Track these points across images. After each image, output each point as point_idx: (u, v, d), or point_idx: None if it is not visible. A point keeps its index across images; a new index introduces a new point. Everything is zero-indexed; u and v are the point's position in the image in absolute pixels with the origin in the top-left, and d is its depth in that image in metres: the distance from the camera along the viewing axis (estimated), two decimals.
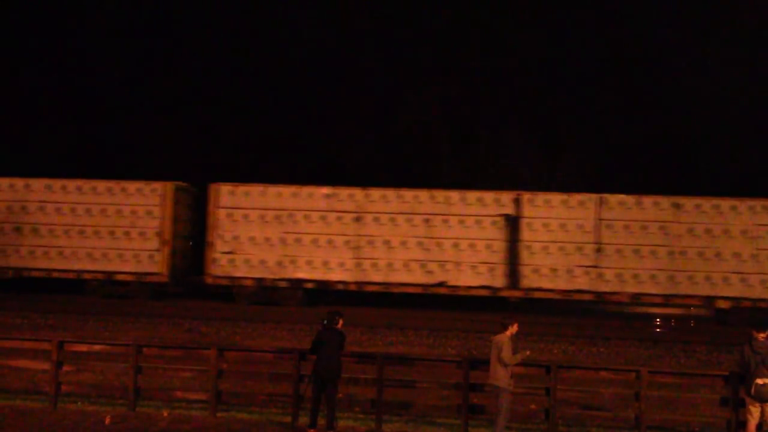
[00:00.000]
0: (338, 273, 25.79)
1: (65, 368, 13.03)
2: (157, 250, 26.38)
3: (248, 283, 26.06)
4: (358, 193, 26.05)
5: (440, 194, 25.85)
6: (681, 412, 13.04)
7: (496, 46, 39.33)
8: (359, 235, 25.81)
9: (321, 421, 11.13)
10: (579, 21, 41.58)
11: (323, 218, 25.95)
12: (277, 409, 12.66)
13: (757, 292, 24.41)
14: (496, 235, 25.27)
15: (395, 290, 25.81)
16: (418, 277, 25.53)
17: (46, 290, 27.06)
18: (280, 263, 25.96)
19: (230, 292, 26.38)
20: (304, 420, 11.42)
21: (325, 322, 11.21)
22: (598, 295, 24.99)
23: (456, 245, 25.41)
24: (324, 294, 26.26)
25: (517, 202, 25.37)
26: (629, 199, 25.05)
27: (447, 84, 38.91)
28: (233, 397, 12.99)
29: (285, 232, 26.00)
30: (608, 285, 24.84)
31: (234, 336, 19.82)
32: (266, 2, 42.86)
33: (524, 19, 40.90)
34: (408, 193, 25.94)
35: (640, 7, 42.51)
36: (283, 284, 25.96)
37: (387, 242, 25.69)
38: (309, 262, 25.88)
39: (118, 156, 37.39)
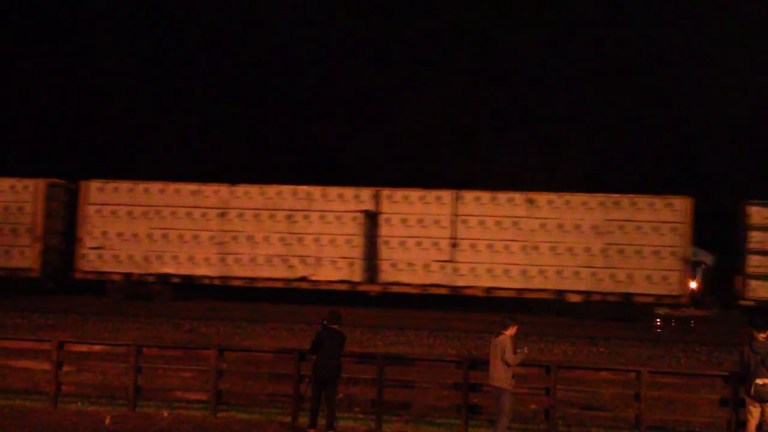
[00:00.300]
0: (203, 268, 26.34)
1: (65, 368, 13.00)
2: (28, 246, 26.65)
3: (117, 278, 26.64)
4: (223, 189, 26.59)
5: (302, 190, 26.33)
6: (681, 412, 13.02)
7: (496, 46, 39.32)
8: (224, 231, 26.32)
9: (321, 421, 11.12)
10: (579, 21, 41.57)
11: (189, 214, 26.52)
12: (277, 409, 12.63)
13: (607, 286, 24.77)
14: (356, 230, 25.74)
15: (259, 285, 26.33)
16: (280, 271, 26.03)
17: (46, 290, 27.10)
18: (147, 258, 26.49)
19: (101, 287, 26.82)
20: (304, 420, 11.42)
21: (325, 322, 11.19)
22: (453, 289, 25.42)
23: (317, 240, 25.94)
24: (191, 288, 26.84)
25: (376, 198, 25.84)
26: (484, 195, 25.57)
27: (447, 84, 38.89)
28: (233, 397, 12.96)
29: (152, 227, 26.56)
30: (463, 279, 25.31)
31: (234, 336, 19.82)
32: (267, 2, 42.88)
33: (524, 20, 40.90)
34: (271, 189, 26.41)
35: (640, 6, 42.53)
36: (151, 279, 26.52)
37: (251, 238, 26.20)
38: (175, 258, 26.40)
39: (117, 156, 37.38)
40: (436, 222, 25.40)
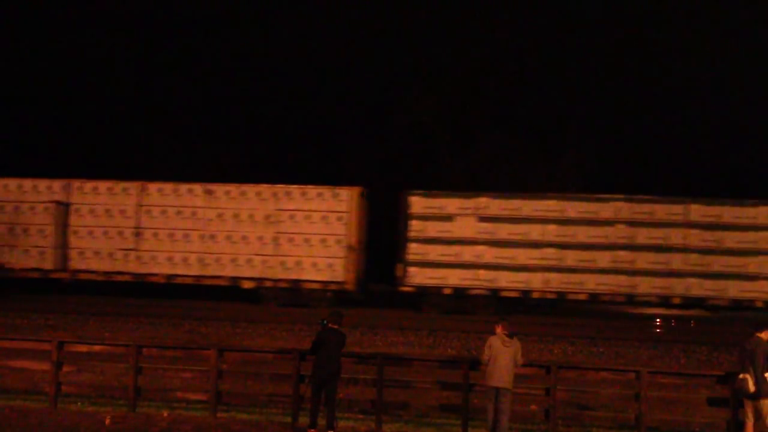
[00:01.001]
0: None
1: (65, 368, 13.01)
2: None
3: None
4: None
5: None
6: (681, 413, 13.04)
7: (495, 45, 39.27)
8: None
9: (321, 422, 11.13)
10: (579, 21, 41.57)
11: None
12: (277, 410, 12.65)
13: (277, 273, 25.87)
14: (47, 220, 26.78)
15: None
16: None
17: (46, 290, 27.15)
18: None
19: None
20: (304, 420, 11.42)
21: (325, 322, 11.20)
22: (137, 276, 26.55)
23: (12, 230, 26.98)
24: None
25: (67, 189, 26.94)
26: (167, 186, 26.78)
27: (446, 84, 38.85)
28: (233, 398, 12.97)
29: None
30: (145, 267, 26.54)
31: (234, 336, 19.82)
32: (266, 3, 42.88)
33: (524, 19, 40.89)
34: None
35: (640, 6, 42.54)
36: None
37: None
38: None
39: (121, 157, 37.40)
40: (122, 212, 26.74)
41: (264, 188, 26.29)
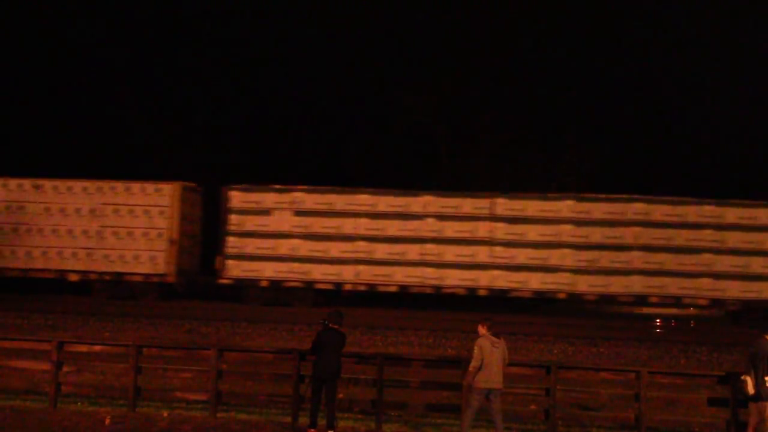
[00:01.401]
0: None
1: (65, 368, 13.02)
2: None
3: None
4: None
5: None
6: (681, 413, 13.03)
7: (495, 45, 39.29)
8: None
9: (321, 422, 11.13)
10: (578, 21, 41.58)
11: None
12: (277, 410, 12.65)
13: (101, 266, 26.56)
14: None
15: None
16: None
17: (46, 290, 27.17)
18: None
19: None
20: (304, 420, 11.42)
21: (326, 322, 11.20)
22: None
23: None
24: None
25: None
26: None
27: (445, 85, 38.86)
28: (233, 398, 12.98)
29: None
30: None
31: (234, 336, 19.82)
32: (265, 4, 42.89)
33: (525, 19, 40.89)
34: None
35: (640, 6, 42.55)
36: None
37: None
38: None
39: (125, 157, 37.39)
40: None
41: (90, 183, 26.99)
